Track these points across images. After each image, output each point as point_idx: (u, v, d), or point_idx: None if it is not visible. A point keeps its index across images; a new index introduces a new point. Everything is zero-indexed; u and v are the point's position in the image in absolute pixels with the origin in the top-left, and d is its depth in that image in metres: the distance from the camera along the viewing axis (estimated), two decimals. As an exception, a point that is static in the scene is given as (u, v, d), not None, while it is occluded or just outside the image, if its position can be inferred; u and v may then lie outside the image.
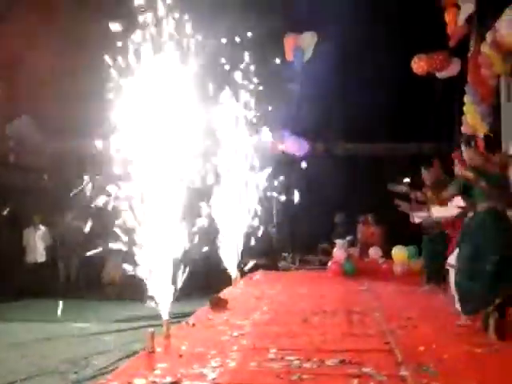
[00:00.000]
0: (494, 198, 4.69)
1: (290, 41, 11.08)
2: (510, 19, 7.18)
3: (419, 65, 9.50)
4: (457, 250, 5.03)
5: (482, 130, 8.54)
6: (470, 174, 4.76)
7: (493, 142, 5.61)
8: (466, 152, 5.05)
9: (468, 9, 8.50)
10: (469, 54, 9.05)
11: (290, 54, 11.09)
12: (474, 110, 9.09)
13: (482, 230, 4.68)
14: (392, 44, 10.19)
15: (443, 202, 5.68)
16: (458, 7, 8.81)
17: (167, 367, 3.63)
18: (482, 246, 4.60)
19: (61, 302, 9.36)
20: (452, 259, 5.36)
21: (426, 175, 7.25)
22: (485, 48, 8.46)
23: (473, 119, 9.04)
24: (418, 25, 9.44)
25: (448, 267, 5.78)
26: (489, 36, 8.19)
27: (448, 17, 9.05)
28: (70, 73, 10.20)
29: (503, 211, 4.76)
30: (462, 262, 4.79)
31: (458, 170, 5.71)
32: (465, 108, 9.34)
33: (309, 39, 10.99)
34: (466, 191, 4.97)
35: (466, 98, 9.33)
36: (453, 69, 9.54)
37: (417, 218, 7.24)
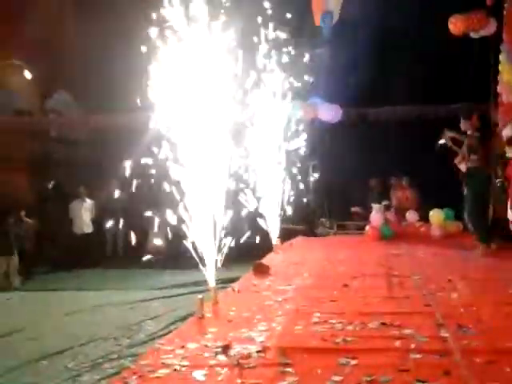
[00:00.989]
0: None
1: (317, 4, 10.85)
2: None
3: (456, 25, 9.28)
4: None
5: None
6: None
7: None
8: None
9: None
10: (504, 12, 8.83)
11: (318, 18, 10.88)
12: (509, 68, 8.93)
13: None
14: (424, 3, 9.99)
15: None
16: None
17: (217, 331, 3.81)
18: None
19: (108, 272, 9.86)
20: None
21: (466, 125, 7.31)
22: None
23: (509, 77, 8.88)
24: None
25: None
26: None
27: None
28: (108, 48, 10.33)
29: None
30: None
31: None
32: (500, 67, 9.17)
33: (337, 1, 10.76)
34: None
35: (501, 57, 9.16)
36: (489, 28, 9.31)
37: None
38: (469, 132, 7.40)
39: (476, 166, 7.17)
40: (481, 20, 9.17)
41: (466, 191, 7.28)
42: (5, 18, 10.50)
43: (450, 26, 9.40)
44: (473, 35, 9.51)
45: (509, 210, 5.96)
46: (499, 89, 9.29)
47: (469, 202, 7.21)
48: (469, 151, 7.23)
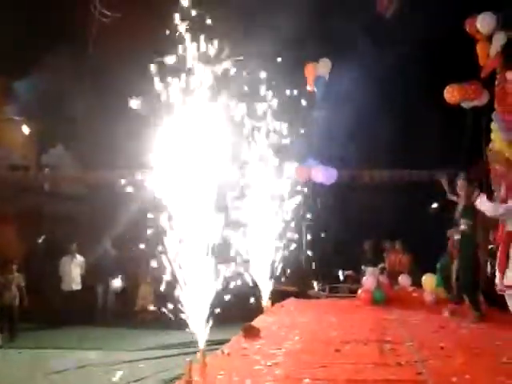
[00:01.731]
0: None
1: (310, 69, 11.18)
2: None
3: (452, 94, 9.56)
4: None
5: (509, 155, 8.59)
6: None
7: None
8: None
9: (499, 40, 8.57)
10: (496, 82, 9.13)
11: (311, 83, 11.18)
12: (501, 137, 9.14)
13: None
14: (416, 72, 10.30)
15: None
16: (490, 40, 8.88)
17: (205, 397, 3.73)
18: None
19: (96, 331, 9.66)
20: None
21: (462, 184, 7.36)
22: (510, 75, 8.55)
23: (500, 146, 9.07)
24: (448, 55, 9.53)
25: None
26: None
27: (479, 49, 9.12)
28: (103, 108, 10.54)
29: None
30: None
31: None
32: (492, 135, 9.38)
33: (327, 66, 11.11)
34: None
35: (492, 126, 9.39)
36: (483, 99, 9.61)
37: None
38: (460, 198, 7.41)
39: (467, 233, 7.19)
40: (476, 91, 9.46)
41: (457, 258, 7.26)
42: (6, 73, 10.74)
43: (446, 95, 9.67)
44: (464, 105, 9.79)
45: (497, 274, 5.96)
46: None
47: (461, 270, 7.18)
48: (461, 215, 7.27)
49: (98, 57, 11.11)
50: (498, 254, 6.12)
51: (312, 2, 10.17)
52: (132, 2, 9.54)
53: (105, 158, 11.66)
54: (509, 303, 5.95)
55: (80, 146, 12.35)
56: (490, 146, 9.40)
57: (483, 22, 8.72)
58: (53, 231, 11.77)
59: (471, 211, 7.02)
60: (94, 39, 10.82)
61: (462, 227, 7.18)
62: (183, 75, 4.57)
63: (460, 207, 7.38)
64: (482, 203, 6.03)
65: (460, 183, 7.41)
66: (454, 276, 7.45)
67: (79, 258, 11.11)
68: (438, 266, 8.70)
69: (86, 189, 12.82)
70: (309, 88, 11.19)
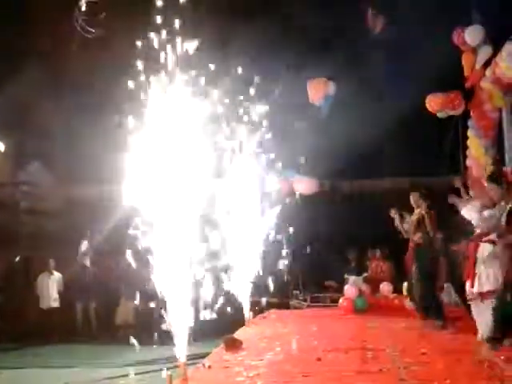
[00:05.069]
0: None
1: (316, 86, 11.19)
2: (509, 53, 7.40)
3: (436, 102, 9.68)
4: None
5: (485, 162, 8.70)
6: None
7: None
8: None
9: (486, 53, 8.72)
10: (474, 90, 9.26)
11: (315, 97, 11.18)
12: (477, 144, 9.27)
13: None
14: (395, 82, 10.39)
15: None
16: (475, 52, 9.02)
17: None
18: None
19: (75, 347, 9.50)
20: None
21: (414, 199, 7.40)
22: (485, 83, 8.69)
23: (476, 152, 9.20)
24: (431, 65, 9.59)
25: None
26: (488, 71, 8.43)
27: (465, 60, 9.25)
28: (82, 120, 10.47)
29: None
30: None
31: None
32: (468, 142, 9.51)
33: (331, 86, 11.20)
34: None
35: (469, 132, 9.52)
36: (460, 109, 9.75)
37: None
38: (417, 208, 7.39)
39: (423, 245, 7.19)
40: (455, 100, 9.59)
41: (414, 268, 7.29)
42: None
43: (428, 104, 9.77)
44: (440, 115, 9.90)
45: (467, 287, 5.96)
46: (468, 163, 9.61)
47: (416, 281, 7.20)
48: (416, 227, 7.27)
49: (76, 72, 11.05)
50: (467, 267, 6.13)
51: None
52: (111, 17, 9.51)
53: (82, 173, 11.57)
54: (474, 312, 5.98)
55: (56, 162, 12.22)
56: (467, 152, 9.54)
57: (471, 34, 8.87)
58: (30, 248, 11.59)
59: (424, 222, 7.09)
60: (72, 54, 10.76)
61: (416, 239, 7.23)
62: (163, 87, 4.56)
63: (414, 218, 7.41)
64: (467, 212, 6.08)
65: (412, 196, 7.43)
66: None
67: (57, 275, 10.95)
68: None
69: (63, 204, 12.67)
70: (315, 103, 11.20)
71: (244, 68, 6.95)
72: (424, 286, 7.12)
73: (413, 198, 7.45)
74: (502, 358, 4.75)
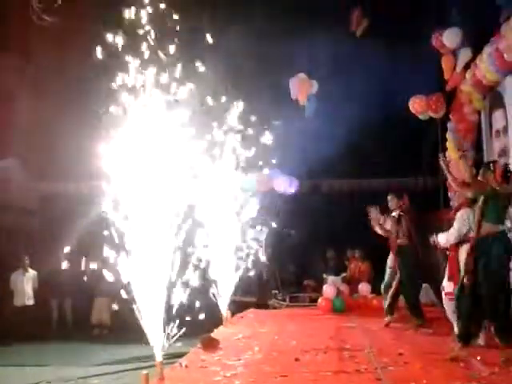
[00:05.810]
0: None
1: (302, 84, 11.13)
2: (488, 55, 7.46)
3: (419, 105, 9.75)
4: None
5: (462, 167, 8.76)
6: None
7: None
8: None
9: (465, 56, 8.78)
10: (456, 93, 9.33)
11: (299, 95, 11.12)
12: (454, 146, 9.35)
13: None
14: (377, 84, 10.42)
15: None
16: (455, 54, 9.08)
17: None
18: None
19: (49, 346, 9.34)
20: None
21: (393, 202, 7.43)
22: (465, 86, 8.76)
23: (455, 154, 9.26)
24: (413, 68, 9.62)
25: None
26: (468, 73, 8.49)
27: (444, 63, 9.30)
28: (57, 117, 10.30)
29: None
30: None
31: None
32: (447, 144, 9.58)
33: (314, 84, 11.18)
34: None
35: (447, 135, 9.60)
36: (441, 111, 9.83)
37: None
38: (395, 212, 7.43)
39: (404, 246, 7.22)
40: (438, 103, 9.67)
41: (398, 272, 7.31)
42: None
43: (412, 106, 9.83)
44: (422, 116, 9.97)
45: (445, 280, 6.00)
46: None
47: (402, 283, 7.21)
48: (397, 231, 7.29)
49: (48, 66, 10.88)
50: (449, 262, 6.15)
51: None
52: (76, 9, 9.38)
53: (57, 170, 11.41)
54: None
55: (31, 158, 12.02)
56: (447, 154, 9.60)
57: (449, 37, 8.93)
58: (4, 245, 11.38)
59: (401, 224, 7.16)
60: (43, 48, 10.59)
61: (399, 241, 7.27)
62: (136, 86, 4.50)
63: (393, 220, 7.43)
64: (441, 239, 6.14)
65: (390, 197, 7.48)
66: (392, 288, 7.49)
67: (31, 272, 10.75)
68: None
69: (38, 201, 12.47)
70: (300, 101, 11.15)
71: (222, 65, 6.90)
72: (410, 288, 7.16)
73: (391, 200, 7.47)
74: (479, 358, 4.76)
